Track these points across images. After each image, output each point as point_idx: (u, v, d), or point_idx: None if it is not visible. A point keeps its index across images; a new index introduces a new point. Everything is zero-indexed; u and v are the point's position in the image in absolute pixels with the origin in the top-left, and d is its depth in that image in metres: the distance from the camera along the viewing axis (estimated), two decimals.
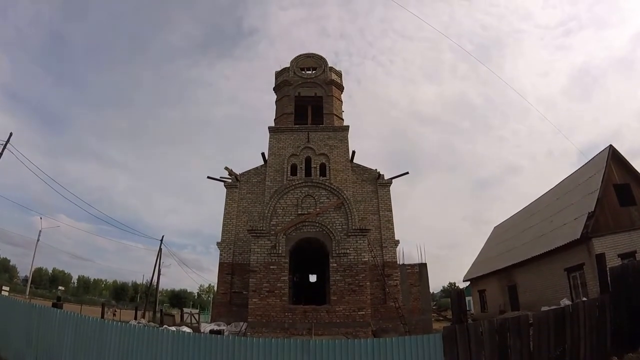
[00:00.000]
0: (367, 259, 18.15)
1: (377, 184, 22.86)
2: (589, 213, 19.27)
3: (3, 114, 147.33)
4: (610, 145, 21.23)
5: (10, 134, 25.17)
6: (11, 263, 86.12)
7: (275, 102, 25.51)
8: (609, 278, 8.56)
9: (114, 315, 38.65)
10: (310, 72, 25.53)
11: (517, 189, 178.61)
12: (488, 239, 37.80)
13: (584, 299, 16.51)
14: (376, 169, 23.39)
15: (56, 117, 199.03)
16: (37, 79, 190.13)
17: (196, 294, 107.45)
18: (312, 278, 28.01)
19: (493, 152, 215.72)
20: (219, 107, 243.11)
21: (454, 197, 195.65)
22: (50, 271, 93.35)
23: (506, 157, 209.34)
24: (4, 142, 24.67)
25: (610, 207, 19.54)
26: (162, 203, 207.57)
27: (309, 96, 24.75)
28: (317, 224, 18.40)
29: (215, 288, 22.51)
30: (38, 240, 48.43)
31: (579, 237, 19.08)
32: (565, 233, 20.78)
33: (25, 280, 62.97)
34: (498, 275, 29.26)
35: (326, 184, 19.59)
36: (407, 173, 24.00)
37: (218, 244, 21.50)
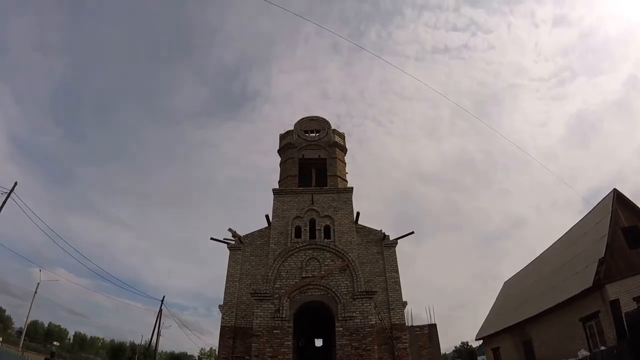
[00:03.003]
0: (374, 322, 17.75)
1: (383, 245, 22.73)
2: (600, 259, 19.06)
3: (10, 163, 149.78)
4: (614, 189, 21.35)
5: (15, 184, 25.13)
6: (6, 313, 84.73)
7: (280, 164, 26.01)
8: (625, 324, 8.35)
9: None
10: (313, 134, 26.25)
11: (525, 241, 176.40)
12: (499, 294, 37.17)
13: (602, 347, 16.10)
14: (381, 230, 23.32)
15: (61, 170, 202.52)
16: (45, 132, 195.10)
17: (197, 358, 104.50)
18: (318, 342, 27.25)
19: (497, 206, 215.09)
20: (222, 168, 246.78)
21: (461, 254, 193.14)
22: (46, 325, 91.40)
23: (511, 211, 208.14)
24: (8, 191, 24.73)
25: (620, 251, 19.37)
26: (163, 263, 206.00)
27: (312, 158, 25.29)
28: (322, 287, 18.17)
29: (217, 352, 21.97)
30: (35, 292, 47.62)
31: (591, 284, 18.74)
32: (577, 282, 20.49)
33: (20, 332, 61.41)
34: (511, 332, 28.42)
35: (330, 246, 19.52)
36: (412, 233, 23.83)
37: (220, 306, 21.17)
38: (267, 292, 18.08)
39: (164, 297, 44.66)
